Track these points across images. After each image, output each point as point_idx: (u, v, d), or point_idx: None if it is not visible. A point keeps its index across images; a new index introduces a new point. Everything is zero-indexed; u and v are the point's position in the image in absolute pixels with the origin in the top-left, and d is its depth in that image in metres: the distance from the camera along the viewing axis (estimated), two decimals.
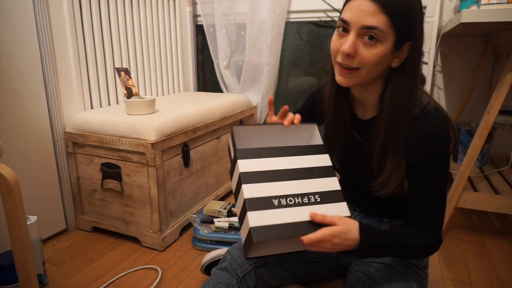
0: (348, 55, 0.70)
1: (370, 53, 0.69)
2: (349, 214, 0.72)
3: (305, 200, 0.71)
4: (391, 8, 0.66)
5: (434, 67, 1.95)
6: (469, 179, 1.57)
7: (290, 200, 0.71)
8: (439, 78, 2.01)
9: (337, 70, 0.76)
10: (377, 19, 0.66)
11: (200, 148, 1.56)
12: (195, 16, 2.30)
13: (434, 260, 1.29)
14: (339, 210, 0.73)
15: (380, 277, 0.84)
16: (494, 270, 1.23)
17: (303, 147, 0.78)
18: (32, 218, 1.13)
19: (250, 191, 0.69)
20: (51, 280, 1.20)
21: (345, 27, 0.70)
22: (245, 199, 0.68)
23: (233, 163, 0.76)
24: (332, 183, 0.76)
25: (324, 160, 0.78)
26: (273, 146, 0.77)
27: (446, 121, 0.74)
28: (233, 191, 0.76)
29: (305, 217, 0.69)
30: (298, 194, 0.72)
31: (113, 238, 1.46)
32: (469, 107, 1.99)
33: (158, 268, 1.24)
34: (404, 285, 0.82)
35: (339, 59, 0.73)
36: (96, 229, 1.51)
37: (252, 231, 0.65)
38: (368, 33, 0.68)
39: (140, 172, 1.32)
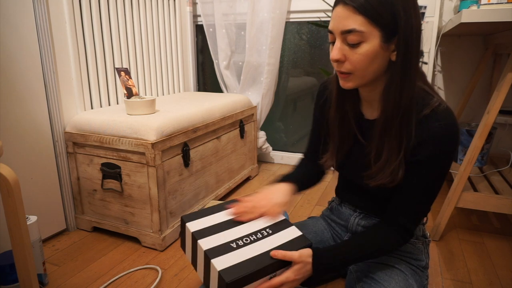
0: (338, 61, 0.74)
1: (357, 54, 0.71)
2: (301, 233, 0.80)
3: (259, 236, 0.77)
4: (364, 7, 0.68)
5: (434, 67, 1.95)
6: (469, 179, 1.57)
7: (246, 240, 0.76)
8: (439, 78, 2.01)
9: (339, 77, 0.79)
10: (353, 21, 0.69)
11: (200, 148, 1.56)
12: (195, 16, 2.30)
13: (434, 260, 1.29)
14: (291, 233, 0.80)
15: (380, 278, 0.84)
16: (494, 270, 1.23)
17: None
18: (32, 218, 1.13)
19: (206, 243, 0.73)
20: (51, 280, 1.20)
21: (332, 36, 0.74)
22: (204, 251, 0.72)
23: (182, 234, 0.81)
24: (276, 217, 0.84)
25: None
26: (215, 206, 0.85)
27: (457, 124, 0.75)
28: (191, 261, 0.80)
29: (265, 248, 0.74)
30: (250, 233, 0.78)
31: (113, 238, 1.46)
32: (469, 107, 1.99)
33: (158, 268, 1.25)
34: (404, 286, 0.82)
35: (334, 67, 0.77)
36: (96, 229, 1.51)
37: (221, 273, 0.67)
38: (349, 36, 0.70)
39: (140, 172, 1.32)
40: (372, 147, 0.81)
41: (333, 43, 0.75)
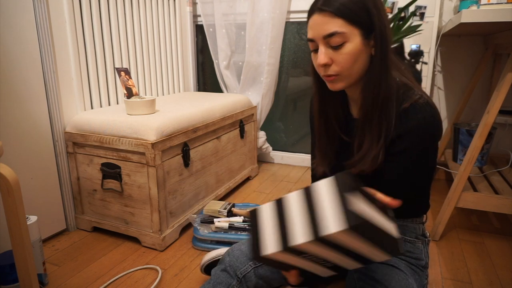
0: (325, 65, 0.76)
1: (342, 54, 0.74)
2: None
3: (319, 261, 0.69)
4: (341, 10, 0.71)
5: (434, 67, 1.95)
6: (469, 179, 1.57)
7: (304, 256, 0.67)
8: (439, 78, 2.01)
9: (326, 81, 0.81)
10: (333, 25, 0.72)
11: (200, 148, 1.56)
12: (195, 16, 2.30)
13: (434, 260, 1.29)
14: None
15: (379, 277, 0.84)
16: (494, 270, 1.23)
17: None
18: (32, 218, 1.13)
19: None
20: (51, 280, 1.20)
21: (314, 44, 0.77)
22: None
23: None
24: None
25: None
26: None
27: (435, 118, 0.76)
28: None
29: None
30: (323, 259, 0.68)
31: (113, 238, 1.46)
32: (469, 107, 1.99)
33: (158, 268, 1.25)
34: (404, 285, 0.82)
35: (321, 72, 0.79)
36: (96, 229, 1.51)
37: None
38: (332, 39, 0.73)
39: (140, 172, 1.33)
40: (356, 141, 0.83)
41: (315, 51, 0.78)
